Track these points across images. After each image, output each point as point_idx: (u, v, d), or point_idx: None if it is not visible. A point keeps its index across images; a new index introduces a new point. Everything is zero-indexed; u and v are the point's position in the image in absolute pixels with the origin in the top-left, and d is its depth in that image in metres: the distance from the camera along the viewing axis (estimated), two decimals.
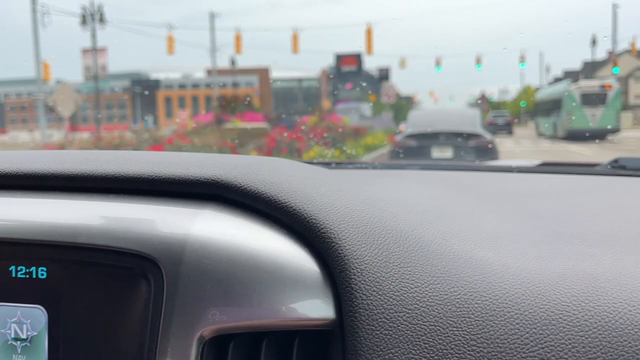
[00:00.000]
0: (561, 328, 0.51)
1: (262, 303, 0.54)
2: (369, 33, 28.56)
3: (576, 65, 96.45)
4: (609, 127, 24.72)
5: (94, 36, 27.01)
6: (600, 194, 0.94)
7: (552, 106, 29.52)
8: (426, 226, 0.65)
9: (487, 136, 8.94)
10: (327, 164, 1.17)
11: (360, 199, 0.67)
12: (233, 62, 46.11)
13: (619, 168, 1.07)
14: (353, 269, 0.54)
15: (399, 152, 9.01)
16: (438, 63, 43.35)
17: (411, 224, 0.64)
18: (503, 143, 23.49)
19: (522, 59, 42.70)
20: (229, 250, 0.57)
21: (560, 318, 0.51)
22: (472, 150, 8.47)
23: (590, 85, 28.01)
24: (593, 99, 25.48)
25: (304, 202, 0.60)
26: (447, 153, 8.63)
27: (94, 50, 27.43)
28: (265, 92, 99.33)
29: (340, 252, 0.55)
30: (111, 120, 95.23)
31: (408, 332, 0.51)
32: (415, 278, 0.54)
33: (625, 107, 58.93)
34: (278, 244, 0.59)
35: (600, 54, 65.08)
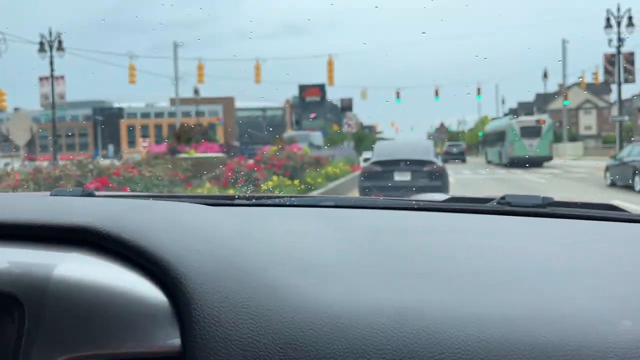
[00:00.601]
0: (357, 356, 0.57)
1: (118, 336, 0.61)
2: (330, 64, 28.74)
3: (530, 97, 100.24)
4: (543, 155, 28.89)
5: (51, 64, 26.26)
6: (477, 232, 0.96)
7: (498, 137, 33.87)
8: (273, 265, 0.70)
9: (439, 163, 10.96)
10: (248, 199, 1.26)
11: (214, 241, 0.74)
12: (196, 92, 45.68)
13: (505, 204, 1.10)
14: (195, 304, 0.62)
15: (367, 177, 10.61)
16: (398, 95, 43.99)
17: (258, 263, 0.70)
18: (461, 171, 24.26)
19: (479, 92, 43.81)
20: (89, 290, 0.64)
21: (361, 348, 0.58)
22: (426, 174, 10.22)
23: (527, 120, 32.31)
24: (530, 132, 29.89)
25: (159, 247, 0.69)
26: (406, 177, 10.32)
27: (52, 78, 26.64)
28: (230, 122, 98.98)
29: (185, 290, 0.63)
30: (72, 148, 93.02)
31: (241, 357, 0.58)
32: (250, 312, 0.61)
33: (576, 137, 61.04)
34: (134, 283, 0.66)
35: (552, 86, 67.60)
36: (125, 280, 0.66)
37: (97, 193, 1.27)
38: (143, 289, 0.65)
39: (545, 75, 48.60)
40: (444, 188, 10.40)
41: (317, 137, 30.05)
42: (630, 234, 0.97)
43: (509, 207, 1.09)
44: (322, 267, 0.72)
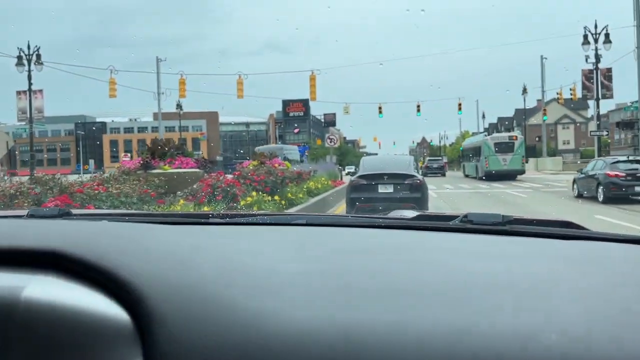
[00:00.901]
0: None
1: (83, 356, 0.64)
2: (312, 79, 28.54)
3: (509, 112, 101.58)
4: (516, 169, 31.32)
5: (29, 77, 25.64)
6: (437, 250, 0.98)
7: (474, 153, 36.37)
8: (232, 285, 0.73)
9: (419, 177, 11.78)
10: (222, 217, 1.30)
11: (178, 262, 0.78)
12: (179, 106, 45.20)
13: (467, 222, 1.13)
14: (155, 324, 0.64)
15: (354, 189, 11.51)
16: (380, 110, 43.96)
17: (219, 283, 0.72)
18: (443, 186, 24.34)
19: (460, 107, 43.99)
20: (55, 311, 0.66)
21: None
22: (407, 187, 11.19)
23: (501, 136, 35.36)
24: (503, 147, 32.10)
25: (123, 269, 0.72)
26: (389, 189, 11.24)
27: (29, 92, 25.99)
28: (214, 136, 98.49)
29: (146, 310, 0.66)
30: (54, 163, 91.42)
31: None
32: (208, 331, 0.63)
33: (555, 152, 61.55)
34: (99, 305, 0.68)
35: (532, 102, 68.35)
36: (91, 302, 0.67)
37: (74, 212, 1.29)
38: (107, 310, 0.66)
39: (524, 91, 49.13)
40: (423, 199, 11.21)
41: (292, 151, 28.52)
42: (581, 252, 1.00)
43: (470, 225, 1.13)
44: (281, 286, 0.73)
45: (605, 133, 26.24)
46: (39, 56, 26.31)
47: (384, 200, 10.92)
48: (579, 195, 17.71)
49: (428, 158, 60.32)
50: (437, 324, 0.63)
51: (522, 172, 32.11)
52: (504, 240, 1.06)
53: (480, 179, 31.76)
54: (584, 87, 27.44)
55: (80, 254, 0.74)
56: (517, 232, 1.09)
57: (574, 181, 18.51)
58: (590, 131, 26.86)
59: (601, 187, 15.76)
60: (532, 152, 47.37)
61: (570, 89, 37.07)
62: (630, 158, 17.81)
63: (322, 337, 0.61)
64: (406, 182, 11.22)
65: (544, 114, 44.31)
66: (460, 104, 42.74)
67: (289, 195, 12.89)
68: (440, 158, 55.79)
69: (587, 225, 1.19)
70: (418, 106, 41.81)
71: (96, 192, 6.44)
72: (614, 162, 16.42)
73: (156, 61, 41.57)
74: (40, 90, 27.41)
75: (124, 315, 0.66)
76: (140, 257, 0.77)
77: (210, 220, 1.27)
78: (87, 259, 0.73)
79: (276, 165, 15.46)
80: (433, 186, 24.43)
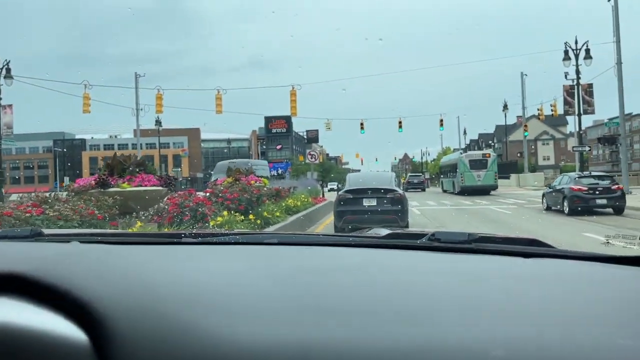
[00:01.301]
0: None
1: None
2: (293, 95, 27.77)
3: (490, 128, 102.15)
4: (489, 184, 33.34)
5: None
6: (403, 268, 1.00)
7: (451, 169, 38.49)
8: (192, 306, 0.73)
9: (400, 191, 12.58)
10: (194, 236, 1.28)
11: (139, 284, 0.79)
12: (158, 122, 44.06)
13: (435, 240, 1.15)
14: (114, 346, 0.65)
15: (341, 202, 12.21)
16: (362, 126, 43.37)
17: (178, 304, 0.73)
18: (426, 202, 23.82)
19: (441, 123, 43.64)
20: (15, 334, 0.65)
21: None
22: (388, 200, 11.91)
23: (475, 154, 37.24)
24: (477, 164, 34.04)
25: (82, 291, 0.72)
26: (373, 203, 11.94)
27: None
28: (196, 153, 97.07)
29: (105, 332, 0.67)
30: (31, 181, 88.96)
31: None
32: (166, 352, 0.64)
33: (535, 168, 61.59)
34: (59, 327, 0.68)
35: (512, 118, 68.52)
36: (51, 325, 0.67)
37: (46, 232, 1.30)
38: (67, 332, 0.67)
39: (505, 107, 49.09)
40: (403, 211, 12.01)
41: (261, 166, 25.11)
42: (543, 269, 1.03)
43: (438, 243, 1.15)
44: (244, 307, 0.74)
45: (587, 148, 25.85)
46: (8, 70, 25.18)
47: (368, 213, 11.81)
48: (548, 208, 18.76)
49: (409, 174, 64.11)
50: (397, 342, 0.64)
51: (495, 187, 34.11)
52: (469, 259, 1.07)
53: (457, 193, 33.99)
54: (566, 102, 27.05)
55: (43, 277, 0.74)
56: (482, 250, 1.12)
57: (543, 195, 19.69)
58: (573, 146, 26.51)
59: (566, 201, 16.92)
60: (513, 168, 47.13)
61: (551, 105, 36.94)
62: (593, 173, 19.04)
63: (281, 357, 0.62)
64: (388, 196, 11.98)
65: (525, 130, 44.13)
66: (442, 120, 42.40)
67: (265, 214, 11.96)
68: (420, 174, 59.47)
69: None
70: (400, 122, 41.32)
71: (28, 215, 5.47)
72: (578, 178, 17.72)
73: (135, 77, 40.59)
74: (10, 106, 26.14)
75: (82, 337, 0.65)
76: (103, 279, 0.77)
77: (183, 239, 1.29)
78: (50, 282, 0.73)
79: (252, 182, 14.55)
80: (416, 202, 24.26)
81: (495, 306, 0.76)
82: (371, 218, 11.72)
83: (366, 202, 11.99)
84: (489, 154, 36.13)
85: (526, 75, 41.47)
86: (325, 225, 15.36)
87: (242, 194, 11.87)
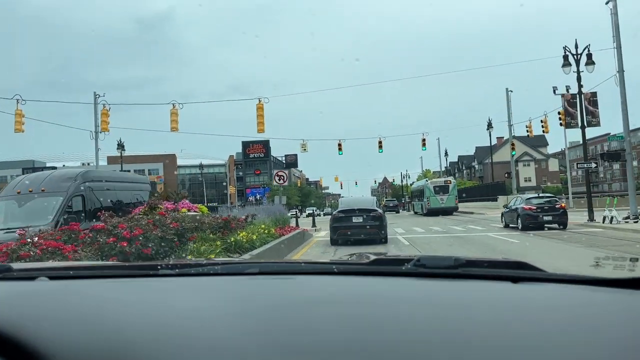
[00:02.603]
0: None
1: None
2: (260, 109, 23.86)
3: (471, 150, 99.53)
4: (451, 206, 40.10)
5: None
6: (386, 298, 0.96)
7: (419, 194, 45.43)
8: (152, 343, 0.71)
9: (380, 210, 16.52)
10: (172, 268, 1.23)
11: (98, 323, 0.76)
12: (121, 146, 39.63)
13: (420, 266, 1.11)
14: None
15: (335, 220, 16.07)
16: (340, 147, 39.52)
17: (144, 343, 0.70)
18: (412, 229, 20.52)
19: (424, 143, 40.14)
20: None
21: None
22: (371, 217, 15.75)
23: (439, 180, 43.79)
24: (441, 189, 40.84)
25: (32, 336, 0.69)
26: (359, 219, 15.68)
27: None
28: (171, 179, 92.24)
29: None
30: None
31: None
32: None
33: (517, 189, 58.21)
34: None
35: (492, 139, 65.63)
36: None
37: (15, 267, 1.25)
38: None
39: (489, 126, 45.97)
40: (382, 225, 15.71)
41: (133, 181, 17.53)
42: (531, 294, 0.99)
43: (423, 269, 1.10)
44: (213, 345, 0.70)
45: (593, 165, 22.26)
46: None
47: (357, 227, 15.51)
48: (506, 226, 21.46)
49: (386, 199, 78.91)
50: None
51: (456, 208, 40.49)
52: (456, 286, 1.04)
53: (424, 215, 39.92)
54: (567, 113, 23.62)
55: None
56: (469, 275, 1.08)
57: (502, 215, 22.41)
58: (577, 163, 23.02)
59: (519, 219, 19.59)
60: (501, 189, 43.59)
61: (542, 121, 33.80)
62: (540, 195, 21.47)
63: None
64: (371, 214, 15.78)
65: (513, 149, 40.90)
66: (424, 140, 38.90)
67: (189, 257, 7.81)
68: (394, 199, 75.48)
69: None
70: (380, 142, 37.69)
71: None
72: (529, 198, 20.33)
73: (93, 97, 36.25)
74: None
75: None
76: (59, 322, 0.74)
77: (160, 272, 1.22)
78: (1, 328, 0.70)
79: (184, 210, 10.36)
80: (400, 229, 21.10)
81: (484, 337, 0.73)
82: (359, 231, 15.43)
83: (355, 219, 15.67)
84: (450, 180, 42.51)
85: (511, 91, 38.39)
86: (302, 254, 12.57)
87: (152, 230, 7.63)
